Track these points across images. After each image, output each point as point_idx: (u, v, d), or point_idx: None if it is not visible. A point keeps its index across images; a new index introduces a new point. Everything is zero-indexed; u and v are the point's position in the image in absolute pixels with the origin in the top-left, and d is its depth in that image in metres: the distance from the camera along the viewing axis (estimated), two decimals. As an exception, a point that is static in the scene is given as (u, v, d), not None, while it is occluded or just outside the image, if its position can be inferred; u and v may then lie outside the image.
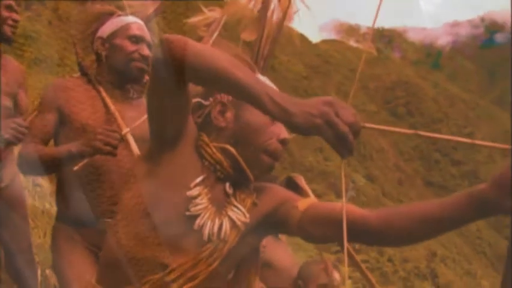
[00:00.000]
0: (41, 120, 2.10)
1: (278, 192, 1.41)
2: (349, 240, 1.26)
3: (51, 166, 2.05)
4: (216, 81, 1.16)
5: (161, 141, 1.33)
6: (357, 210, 1.29)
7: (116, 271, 1.29)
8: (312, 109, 1.10)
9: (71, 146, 1.99)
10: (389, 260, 10.61)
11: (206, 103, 1.39)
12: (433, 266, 11.58)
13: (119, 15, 2.20)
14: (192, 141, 1.34)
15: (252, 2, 1.63)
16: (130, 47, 2.12)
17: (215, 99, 1.38)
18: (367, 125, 1.17)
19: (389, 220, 1.24)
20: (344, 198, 1.20)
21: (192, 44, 1.17)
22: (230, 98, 1.35)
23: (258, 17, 1.65)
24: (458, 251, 16.53)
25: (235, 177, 1.33)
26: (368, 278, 1.79)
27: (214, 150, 1.32)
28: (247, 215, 1.32)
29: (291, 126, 1.12)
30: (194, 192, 1.28)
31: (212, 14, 1.77)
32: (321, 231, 1.32)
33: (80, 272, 1.98)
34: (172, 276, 1.24)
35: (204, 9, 1.77)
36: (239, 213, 1.31)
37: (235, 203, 1.33)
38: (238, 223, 1.30)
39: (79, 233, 2.06)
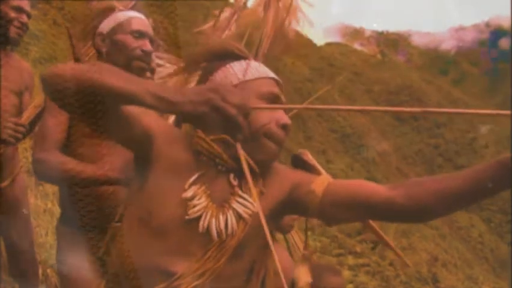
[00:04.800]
0: (56, 125, 1.97)
1: (288, 176, 1.36)
2: (373, 219, 1.22)
3: (83, 184, 1.94)
4: (88, 93, 1.12)
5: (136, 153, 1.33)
6: (382, 191, 1.26)
7: (124, 280, 1.26)
8: (197, 97, 1.10)
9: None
10: (391, 264, 10.58)
11: None
12: (434, 271, 11.56)
13: (121, 10, 2.14)
14: (175, 141, 1.30)
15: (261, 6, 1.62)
16: (132, 42, 2.06)
17: None
18: (254, 106, 1.21)
19: (417, 198, 1.21)
20: (250, 183, 1.21)
21: (60, 68, 1.15)
22: None
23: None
24: (459, 256, 16.47)
25: (237, 167, 1.28)
26: (388, 245, 1.71)
27: (211, 143, 1.27)
28: (255, 204, 1.26)
29: (181, 116, 1.12)
30: (189, 193, 1.24)
31: (223, 15, 1.75)
32: (343, 213, 1.29)
33: (81, 275, 1.97)
34: (180, 280, 1.21)
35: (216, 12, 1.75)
36: (246, 204, 1.27)
37: (241, 193, 1.28)
38: (245, 215, 1.26)
39: (81, 236, 2.05)
